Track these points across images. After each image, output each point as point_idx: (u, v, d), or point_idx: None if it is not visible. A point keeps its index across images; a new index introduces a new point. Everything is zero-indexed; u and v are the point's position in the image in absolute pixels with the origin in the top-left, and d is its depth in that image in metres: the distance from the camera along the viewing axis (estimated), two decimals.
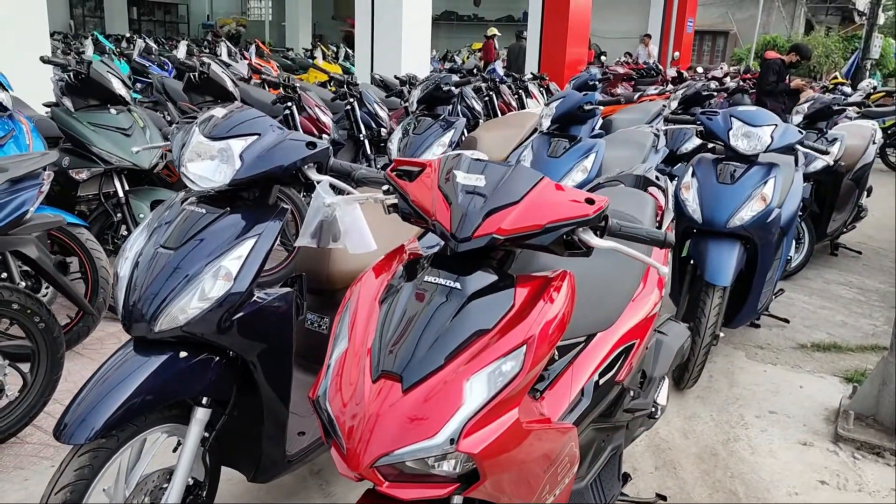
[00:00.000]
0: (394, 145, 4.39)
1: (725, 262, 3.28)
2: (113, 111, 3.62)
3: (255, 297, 1.89)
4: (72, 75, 3.56)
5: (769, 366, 3.80)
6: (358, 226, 1.80)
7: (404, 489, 1.38)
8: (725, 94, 8.00)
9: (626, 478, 2.36)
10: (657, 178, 2.65)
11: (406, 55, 9.81)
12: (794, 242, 4.80)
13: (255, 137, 1.89)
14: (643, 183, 2.64)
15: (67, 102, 3.58)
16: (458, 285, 1.49)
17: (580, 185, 3.78)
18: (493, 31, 15.66)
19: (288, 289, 1.95)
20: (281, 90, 4.77)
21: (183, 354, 1.86)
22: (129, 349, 1.84)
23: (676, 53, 19.05)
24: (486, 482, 1.38)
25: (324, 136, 4.64)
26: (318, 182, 1.88)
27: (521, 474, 1.47)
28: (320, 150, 1.93)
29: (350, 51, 11.44)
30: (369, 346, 1.46)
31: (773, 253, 3.52)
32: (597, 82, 5.81)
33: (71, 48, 8.38)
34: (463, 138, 4.66)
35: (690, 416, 3.22)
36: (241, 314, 1.85)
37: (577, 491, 2.00)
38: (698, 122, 3.60)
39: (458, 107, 5.58)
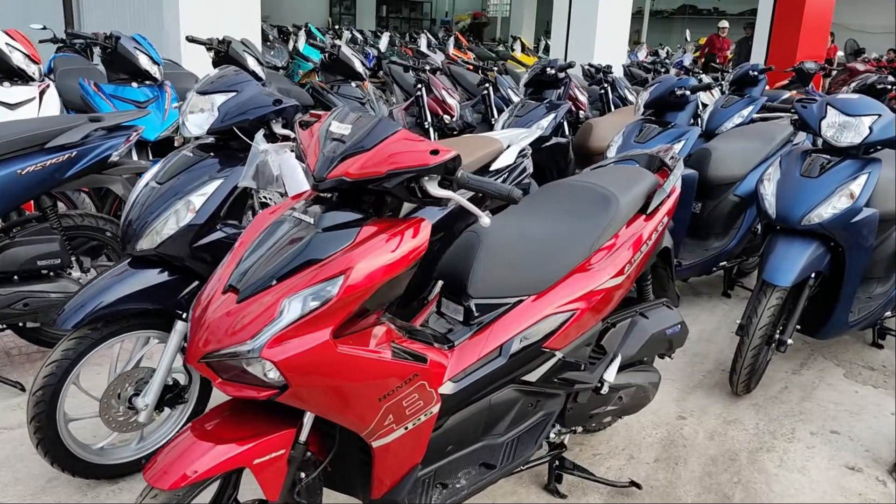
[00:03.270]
0: (498, 127, 4.52)
1: (789, 262, 3.00)
2: None
3: (220, 230, 2.21)
4: (218, 53, 4.21)
5: (867, 388, 3.39)
6: (291, 171, 2.03)
7: (231, 386, 1.61)
8: None
9: (559, 447, 2.36)
10: (672, 159, 2.55)
11: (600, 45, 9.75)
12: None
13: (234, 94, 2.21)
14: (657, 163, 2.56)
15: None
16: (311, 220, 1.67)
17: None
18: (723, 23, 14.77)
19: (235, 221, 2.24)
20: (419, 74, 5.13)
21: (166, 272, 2.24)
22: (125, 262, 2.26)
23: None
24: (297, 391, 1.57)
25: (445, 116, 4.91)
26: (281, 136, 2.15)
27: (342, 394, 1.63)
28: (285, 107, 2.19)
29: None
30: (235, 264, 1.70)
31: (866, 259, 3.14)
32: (757, 74, 5.41)
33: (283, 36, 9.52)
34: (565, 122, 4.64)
35: (731, 421, 3.02)
36: (206, 242, 2.18)
37: (488, 445, 2.08)
38: (793, 111, 3.31)
39: (571, 92, 5.52)
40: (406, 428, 1.76)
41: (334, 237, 1.64)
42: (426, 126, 4.88)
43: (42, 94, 3.58)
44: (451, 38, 10.06)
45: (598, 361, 2.26)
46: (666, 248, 2.56)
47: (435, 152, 1.62)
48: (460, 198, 1.64)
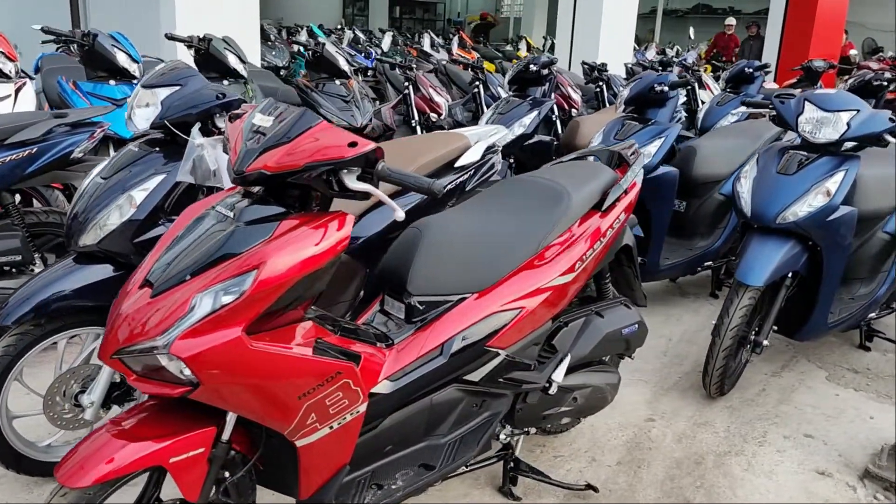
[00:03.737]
0: (481, 124, 4.47)
1: (762, 261, 2.93)
2: (225, 83, 4.19)
3: (164, 225, 2.18)
4: (196, 51, 4.21)
5: (849, 391, 3.30)
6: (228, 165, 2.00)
7: (144, 383, 1.58)
8: None
9: (507, 448, 2.31)
10: (633, 154, 2.49)
11: (605, 44, 9.67)
12: None
13: (178, 87, 2.19)
14: (616, 158, 2.50)
15: None
16: (231, 214, 1.64)
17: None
18: (730, 21, 14.62)
19: None
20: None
21: (111, 268, 2.22)
22: (70, 258, 2.25)
23: None
24: (209, 389, 1.53)
25: (432, 115, 4.87)
26: (221, 131, 2.12)
27: (258, 392, 1.59)
28: (229, 101, 2.16)
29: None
30: (156, 258, 1.67)
31: (843, 258, 3.06)
32: (752, 71, 5.33)
33: (282, 35, 9.53)
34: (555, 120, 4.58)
35: (702, 423, 2.95)
36: (148, 238, 2.16)
37: (430, 446, 2.04)
38: (771, 106, 3.23)
39: (563, 90, 5.46)
40: (331, 427, 1.72)
41: (253, 231, 1.60)
42: (413, 124, 4.85)
43: (18, 91, 3.59)
44: (456, 38, 10.01)
45: (548, 361, 2.21)
46: (627, 245, 2.50)
47: (353, 144, 1.59)
48: (377, 191, 1.60)
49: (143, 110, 2.22)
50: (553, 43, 11.37)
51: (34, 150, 2.74)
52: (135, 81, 3.99)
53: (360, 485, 1.91)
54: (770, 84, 8.05)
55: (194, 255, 1.59)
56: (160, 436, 1.60)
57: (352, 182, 1.59)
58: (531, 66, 4.54)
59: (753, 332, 3.10)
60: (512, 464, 2.41)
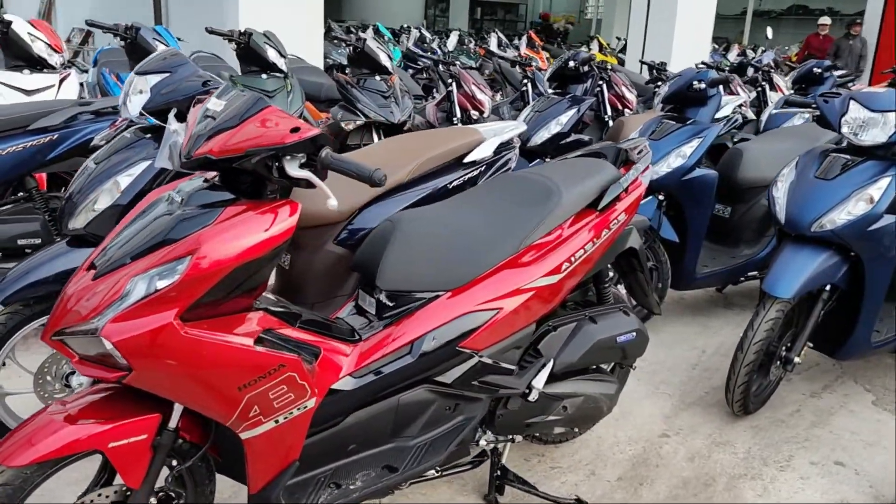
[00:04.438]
0: (520, 121, 4.35)
1: (793, 271, 2.71)
2: (264, 76, 4.24)
3: None
4: (237, 45, 4.26)
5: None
6: None
7: (85, 366, 1.58)
8: None
9: (485, 454, 2.20)
10: (639, 153, 2.34)
11: (679, 44, 9.34)
12: None
13: (167, 74, 2.19)
14: (623, 156, 2.36)
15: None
16: (179, 199, 1.62)
17: (676, 171, 3.40)
18: (823, 20, 13.84)
19: None
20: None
21: None
22: (64, 241, 2.29)
23: None
24: (142, 374, 1.51)
25: (474, 112, 4.78)
26: None
27: (194, 380, 1.56)
28: (213, 89, 2.15)
29: None
30: (109, 241, 1.67)
31: (889, 272, 2.80)
32: (823, 72, 5.00)
33: (351, 32, 9.62)
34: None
35: (721, 443, 2.76)
36: None
37: (397, 447, 1.97)
38: (814, 106, 3.00)
39: (617, 89, 5.25)
40: (276, 421, 1.67)
41: (196, 217, 1.58)
42: (454, 121, 4.77)
43: (62, 82, 3.72)
44: (524, 38, 9.87)
45: (531, 366, 2.10)
46: (632, 248, 2.36)
47: (296, 130, 1.54)
48: (316, 179, 1.55)
49: (137, 97, 2.24)
50: (626, 42, 11.09)
51: (55, 136, 2.83)
52: None
53: (318, 483, 1.86)
54: (862, 87, 7.59)
55: (137, 240, 1.58)
56: (102, 420, 1.59)
57: (292, 169, 1.54)
58: (570, 62, 4.39)
59: (784, 348, 2.88)
60: (499, 472, 2.31)
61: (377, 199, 2.62)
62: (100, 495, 1.68)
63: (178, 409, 1.65)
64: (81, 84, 4.37)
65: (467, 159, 2.79)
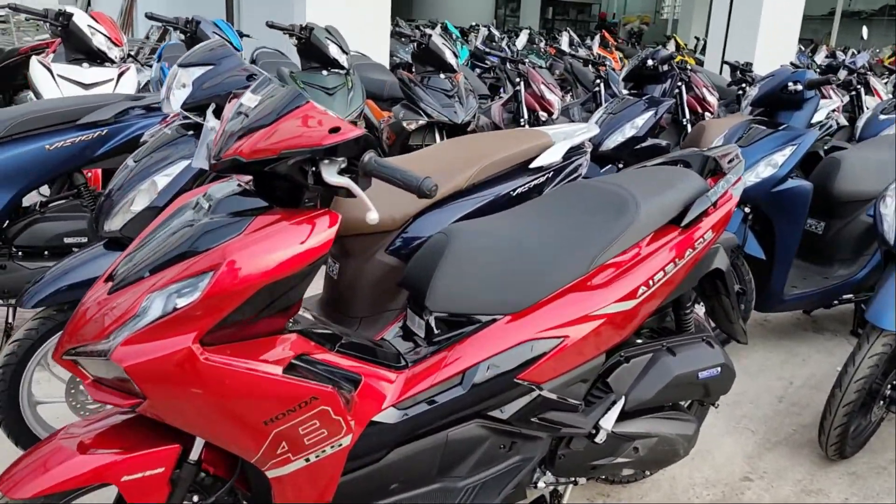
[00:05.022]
0: (591, 123, 4.07)
1: None
2: (324, 73, 4.09)
3: None
4: (299, 40, 4.13)
5: None
6: None
7: (97, 390, 1.41)
8: None
9: (541, 499, 1.95)
10: (731, 162, 2.07)
11: (763, 45, 8.84)
12: None
13: (210, 67, 2.03)
14: (711, 165, 2.09)
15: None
16: (207, 205, 1.45)
17: (765, 181, 3.08)
18: None
19: None
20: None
21: None
22: (100, 244, 2.16)
23: None
24: (156, 404, 1.34)
25: (542, 114, 4.52)
26: None
27: (214, 413, 1.37)
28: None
29: None
30: (132, 250, 1.51)
31: None
32: None
33: (418, 29, 9.45)
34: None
35: (812, 491, 2.44)
36: None
37: (444, 488, 1.75)
38: None
39: (697, 91, 4.90)
40: (307, 460, 1.48)
41: (224, 226, 1.40)
42: (521, 122, 4.53)
43: (121, 76, 3.65)
44: (597, 37, 9.52)
45: (599, 402, 1.85)
46: (718, 269, 2.08)
47: (335, 130, 1.33)
48: (355, 187, 1.34)
49: (180, 91, 2.09)
50: (705, 42, 10.62)
51: (104, 131, 2.72)
52: None
53: None
54: None
55: (158, 250, 1.41)
56: (117, 449, 1.43)
57: (329, 175, 1.34)
58: (649, 60, 4.08)
59: (890, 387, 2.54)
60: None
61: (434, 205, 2.41)
62: None
63: (200, 440, 1.47)
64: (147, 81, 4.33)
65: (534, 164, 2.54)
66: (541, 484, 1.91)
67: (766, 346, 3.52)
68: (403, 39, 8.61)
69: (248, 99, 1.46)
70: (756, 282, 3.22)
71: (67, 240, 2.76)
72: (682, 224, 1.90)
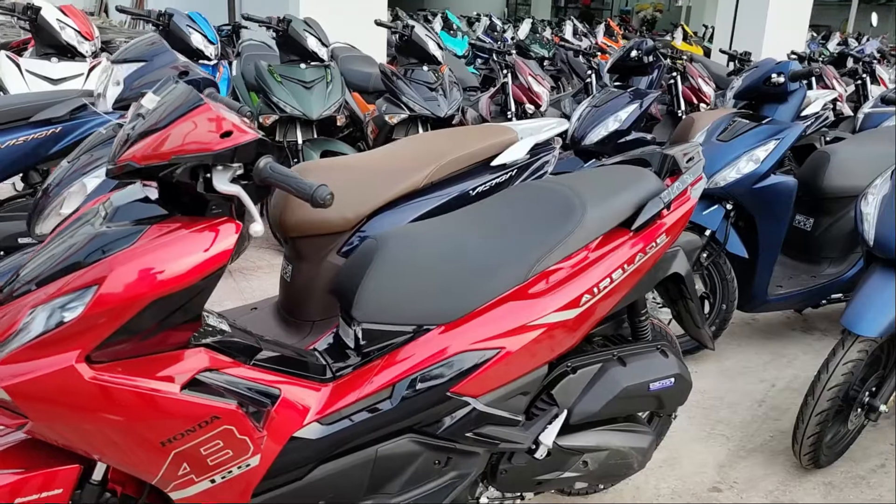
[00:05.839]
0: (573, 117, 3.95)
1: (880, 305, 2.25)
2: (303, 66, 4.00)
3: None
4: (276, 33, 4.04)
5: None
6: None
7: None
8: None
9: None
10: (690, 161, 1.96)
11: (771, 32, 8.63)
12: None
13: (142, 64, 1.95)
14: (671, 164, 1.98)
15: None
16: (104, 212, 1.37)
17: (747, 177, 2.96)
18: None
19: None
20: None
21: None
22: (37, 247, 2.08)
23: None
24: (40, 425, 1.27)
25: (529, 106, 4.40)
26: None
27: (106, 434, 1.30)
28: (193, 80, 1.90)
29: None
30: (30, 259, 1.43)
31: None
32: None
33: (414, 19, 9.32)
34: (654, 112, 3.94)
35: (782, 502, 2.34)
36: None
37: None
38: None
39: (693, 82, 4.74)
40: (212, 481, 1.41)
41: (116, 237, 1.32)
42: (509, 116, 4.42)
43: (90, 70, 3.58)
44: (602, 26, 9.34)
45: (541, 415, 1.75)
46: (676, 274, 1.97)
47: (227, 135, 1.25)
48: (245, 196, 1.26)
49: (113, 89, 2.01)
50: (713, 30, 10.39)
51: (58, 129, 2.64)
52: (210, 63, 3.89)
53: None
54: None
55: (49, 261, 1.33)
56: (11, 470, 1.36)
57: (219, 182, 1.25)
58: (633, 51, 3.95)
59: (868, 394, 2.42)
60: None
61: (389, 205, 2.33)
62: None
63: None
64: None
65: (496, 162, 2.45)
66: (483, 499, 1.83)
67: (750, 347, 3.41)
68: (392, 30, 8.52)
69: (149, 100, 1.38)
70: (739, 281, 3.11)
71: (21, 240, 2.70)
72: (633, 227, 1.79)
